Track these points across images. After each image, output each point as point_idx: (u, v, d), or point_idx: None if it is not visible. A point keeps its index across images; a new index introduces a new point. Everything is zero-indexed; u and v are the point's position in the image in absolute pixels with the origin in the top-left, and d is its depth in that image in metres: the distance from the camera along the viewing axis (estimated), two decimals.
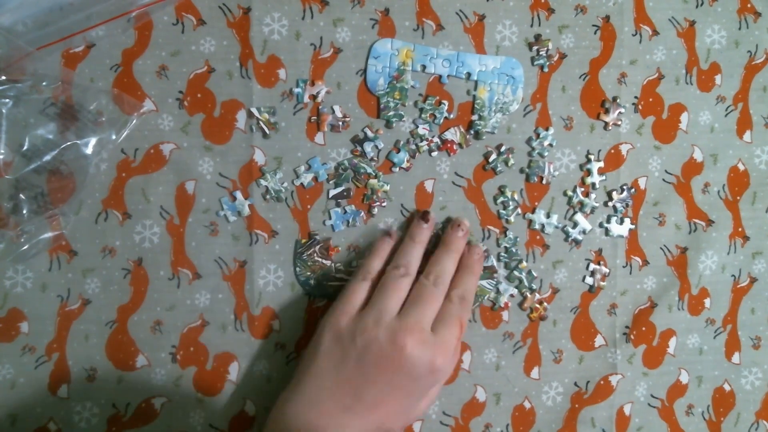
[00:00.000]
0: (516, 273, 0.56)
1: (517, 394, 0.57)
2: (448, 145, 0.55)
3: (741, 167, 0.60)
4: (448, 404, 0.56)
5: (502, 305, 0.56)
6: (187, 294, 0.52)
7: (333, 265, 0.54)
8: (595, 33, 0.57)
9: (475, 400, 0.56)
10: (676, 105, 0.59)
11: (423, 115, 0.55)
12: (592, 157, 0.57)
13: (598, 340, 0.58)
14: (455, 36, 0.55)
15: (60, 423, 0.51)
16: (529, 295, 0.56)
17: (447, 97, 0.55)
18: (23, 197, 0.49)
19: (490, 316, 0.56)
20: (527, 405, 0.57)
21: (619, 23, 0.57)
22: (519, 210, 0.56)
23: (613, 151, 0.58)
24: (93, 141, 0.50)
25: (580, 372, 0.58)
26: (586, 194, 0.57)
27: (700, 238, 0.59)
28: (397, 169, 0.55)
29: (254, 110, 0.53)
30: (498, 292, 0.56)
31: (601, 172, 0.57)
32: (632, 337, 0.58)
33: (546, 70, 0.56)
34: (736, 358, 0.60)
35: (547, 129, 0.56)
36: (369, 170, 0.54)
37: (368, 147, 0.54)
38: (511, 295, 0.56)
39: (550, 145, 0.56)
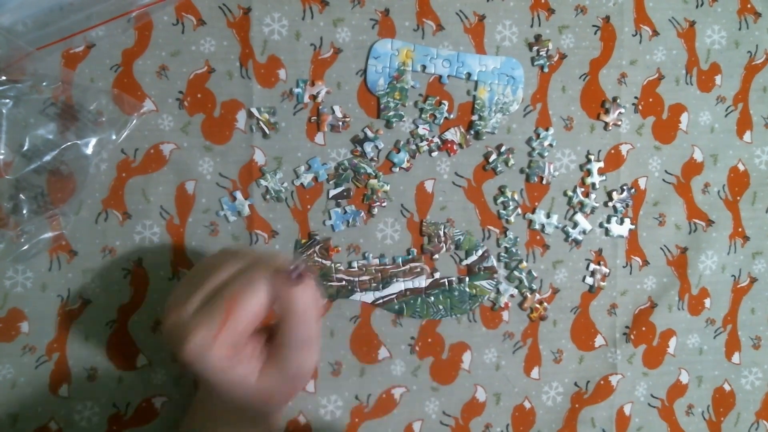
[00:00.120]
0: (516, 273, 0.56)
1: (517, 394, 0.57)
2: (448, 145, 0.55)
3: (741, 167, 0.60)
4: (448, 404, 0.56)
5: (502, 305, 0.56)
6: None
7: (333, 265, 0.54)
8: (595, 33, 0.57)
9: (475, 400, 0.56)
10: (676, 105, 0.59)
11: (423, 115, 0.55)
12: (592, 157, 0.57)
13: (598, 340, 0.58)
14: (455, 36, 0.55)
15: (61, 422, 0.51)
16: (529, 295, 0.56)
17: (447, 98, 0.55)
18: (23, 197, 0.49)
19: (490, 316, 0.56)
20: (527, 405, 0.57)
21: (619, 23, 0.57)
22: (519, 210, 0.56)
23: (613, 151, 0.58)
24: (93, 141, 0.50)
25: (580, 372, 0.58)
26: (586, 194, 0.57)
27: (700, 238, 0.59)
28: (397, 169, 0.55)
29: (254, 110, 0.53)
30: (498, 292, 0.56)
31: (601, 172, 0.57)
32: (632, 337, 0.58)
33: (546, 70, 0.56)
34: (736, 358, 0.60)
35: (547, 129, 0.56)
36: (369, 170, 0.54)
37: (368, 147, 0.54)
38: (511, 295, 0.56)
39: (550, 145, 0.56)
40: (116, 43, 0.51)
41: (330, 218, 0.54)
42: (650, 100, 0.58)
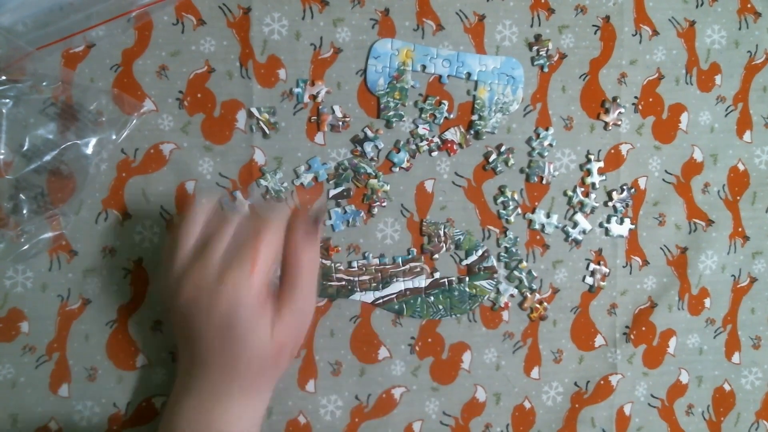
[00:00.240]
0: (516, 273, 0.56)
1: (517, 394, 0.57)
2: (448, 145, 0.55)
3: (741, 167, 0.60)
4: (448, 404, 0.56)
5: (502, 305, 0.56)
6: None
7: (333, 265, 0.54)
8: (595, 33, 0.57)
9: (475, 400, 0.56)
10: (676, 105, 0.59)
11: (423, 115, 0.55)
12: (592, 157, 0.57)
13: (598, 340, 0.58)
14: (455, 36, 0.55)
15: (61, 422, 0.51)
16: (529, 295, 0.56)
17: (447, 97, 0.55)
18: (23, 197, 0.49)
19: (490, 316, 0.56)
20: (527, 405, 0.57)
21: (619, 23, 0.57)
22: (519, 210, 0.56)
23: (613, 151, 0.58)
24: (93, 141, 0.50)
25: (580, 372, 0.58)
26: (586, 194, 0.57)
27: (700, 238, 0.59)
28: (397, 169, 0.55)
29: (254, 110, 0.53)
30: (498, 292, 0.56)
31: (601, 172, 0.57)
32: (632, 337, 0.58)
33: (546, 70, 0.56)
34: (736, 357, 0.60)
35: (547, 129, 0.56)
36: (369, 170, 0.54)
37: (368, 147, 0.54)
38: (511, 295, 0.56)
39: (550, 145, 0.56)
40: (116, 43, 0.51)
41: (330, 218, 0.54)
42: (650, 99, 0.58)
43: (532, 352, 0.57)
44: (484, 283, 0.56)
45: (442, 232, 0.55)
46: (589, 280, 0.57)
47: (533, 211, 0.57)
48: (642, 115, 0.58)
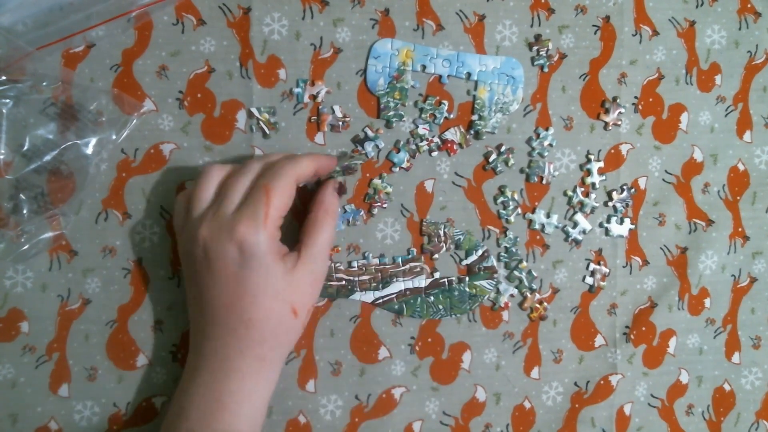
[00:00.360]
0: (516, 273, 0.56)
1: (517, 394, 0.57)
2: (448, 145, 0.55)
3: (741, 167, 0.60)
4: (448, 404, 0.56)
5: (502, 305, 0.56)
6: None
7: (333, 265, 0.54)
8: (595, 33, 0.57)
9: (475, 400, 0.56)
10: (676, 105, 0.59)
11: (423, 115, 0.55)
12: (592, 157, 0.57)
13: (598, 340, 0.58)
14: (455, 36, 0.55)
15: (61, 422, 0.51)
16: (529, 295, 0.56)
17: (447, 97, 0.55)
18: (23, 197, 0.49)
19: (490, 316, 0.56)
20: (527, 405, 0.57)
21: (619, 23, 0.57)
22: (519, 210, 0.56)
23: (613, 151, 0.58)
24: (93, 141, 0.50)
25: (580, 372, 0.58)
26: (586, 194, 0.57)
27: (700, 238, 0.59)
28: (397, 169, 0.55)
29: (254, 110, 0.53)
30: (498, 292, 0.56)
31: (601, 172, 0.57)
32: (632, 337, 0.58)
33: (546, 70, 0.56)
34: (736, 358, 0.60)
35: (547, 129, 0.56)
36: (360, 162, 0.54)
37: (368, 147, 0.54)
38: (511, 295, 0.56)
39: (550, 145, 0.56)
40: (116, 43, 0.51)
41: None
42: (650, 99, 0.58)
43: (532, 352, 0.57)
44: (484, 283, 0.56)
45: (442, 232, 0.55)
46: (589, 280, 0.57)
47: (533, 211, 0.57)
48: (642, 115, 0.58)
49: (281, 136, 0.53)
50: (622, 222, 0.58)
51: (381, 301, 0.54)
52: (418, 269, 0.55)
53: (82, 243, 0.51)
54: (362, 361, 0.54)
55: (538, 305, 0.57)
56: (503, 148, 0.56)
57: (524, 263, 0.56)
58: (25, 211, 0.49)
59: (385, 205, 0.55)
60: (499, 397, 0.57)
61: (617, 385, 0.58)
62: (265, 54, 0.53)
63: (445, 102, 0.55)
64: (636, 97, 0.58)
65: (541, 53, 0.56)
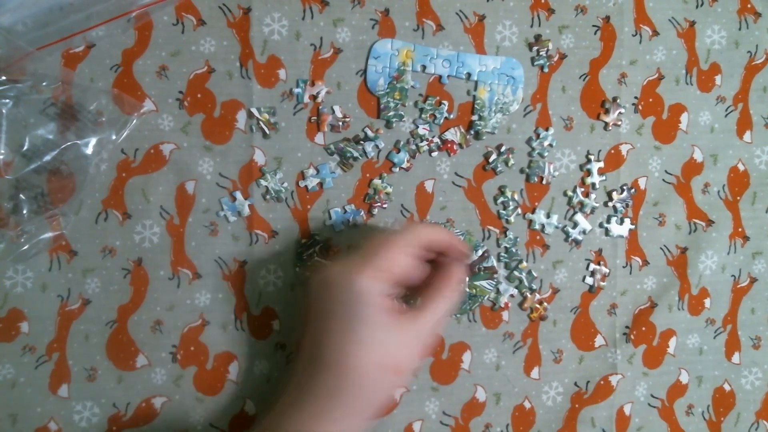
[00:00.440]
0: (516, 273, 0.56)
1: (517, 394, 0.57)
2: (448, 145, 0.55)
3: (741, 167, 0.60)
4: (448, 404, 0.56)
5: (502, 305, 0.56)
6: (187, 294, 0.52)
7: None
8: (595, 33, 0.57)
9: (475, 400, 0.56)
10: (676, 105, 0.59)
11: (423, 116, 0.55)
12: (592, 157, 0.57)
13: (598, 340, 0.58)
14: (455, 36, 0.55)
15: (60, 422, 0.51)
16: (529, 295, 0.56)
17: (447, 98, 0.55)
18: (23, 197, 0.49)
19: (490, 316, 0.56)
20: (527, 405, 0.57)
21: (619, 23, 0.57)
22: (519, 210, 0.56)
23: (613, 151, 0.58)
24: (93, 141, 0.50)
25: (580, 372, 0.58)
26: (586, 194, 0.57)
27: (700, 238, 0.59)
28: (397, 169, 0.55)
29: (254, 110, 0.53)
30: (498, 292, 0.56)
31: (601, 172, 0.57)
32: (632, 337, 0.58)
33: (546, 70, 0.56)
34: (736, 358, 0.60)
35: (547, 129, 0.56)
36: (355, 154, 0.54)
37: (369, 147, 0.54)
38: (511, 295, 0.56)
39: (550, 145, 0.56)
40: (116, 43, 0.51)
41: (330, 218, 0.54)
42: (650, 100, 0.58)
43: (532, 352, 0.57)
44: (484, 283, 0.56)
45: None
46: (589, 280, 0.57)
47: (533, 211, 0.57)
48: (642, 116, 0.58)
49: (281, 136, 0.53)
50: (622, 222, 0.58)
51: None
52: None
53: (82, 243, 0.51)
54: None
55: (538, 305, 0.57)
56: (503, 149, 0.56)
57: (524, 263, 0.56)
58: (25, 211, 0.49)
59: (385, 206, 0.55)
60: (499, 397, 0.56)
61: (617, 385, 0.58)
62: (265, 54, 0.53)
63: (445, 102, 0.55)
64: (636, 98, 0.58)
65: (541, 53, 0.56)
